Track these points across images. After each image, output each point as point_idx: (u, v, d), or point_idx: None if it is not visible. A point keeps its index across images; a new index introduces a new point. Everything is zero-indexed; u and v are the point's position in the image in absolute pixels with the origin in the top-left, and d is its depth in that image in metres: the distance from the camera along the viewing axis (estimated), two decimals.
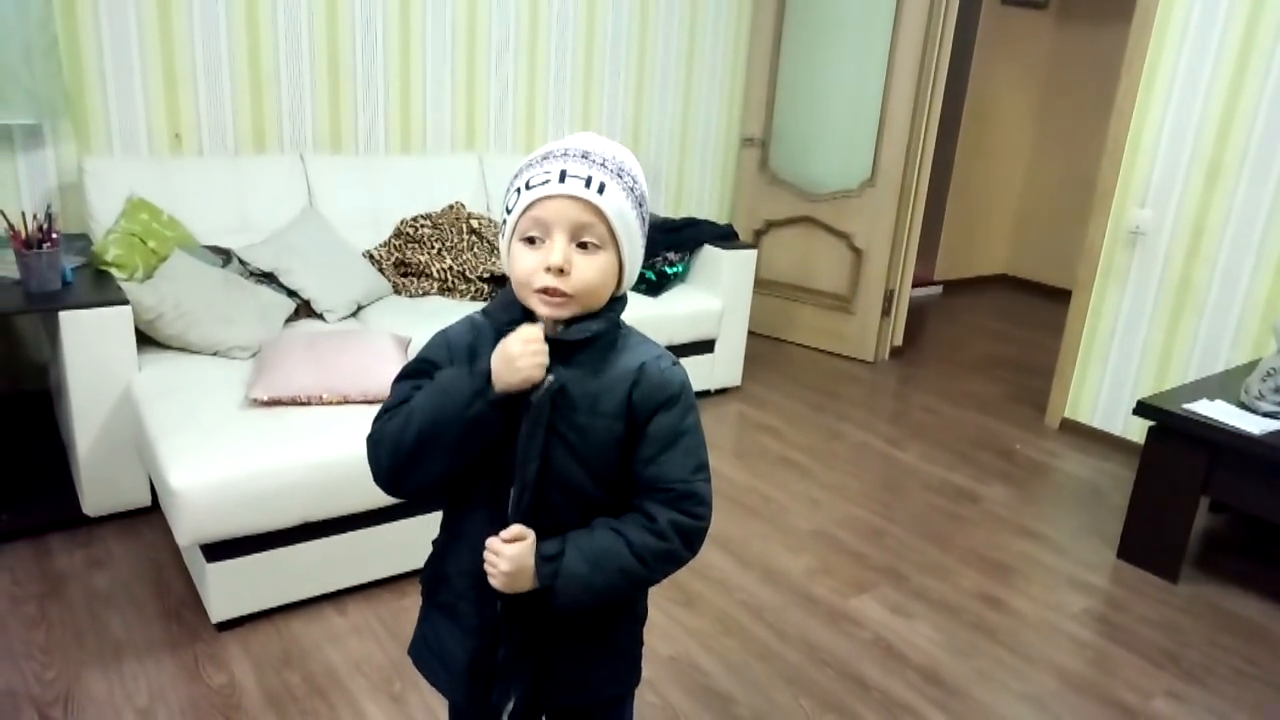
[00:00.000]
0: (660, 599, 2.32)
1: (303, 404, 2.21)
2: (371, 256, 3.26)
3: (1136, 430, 3.25)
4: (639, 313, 3.34)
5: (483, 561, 1.04)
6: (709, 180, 4.56)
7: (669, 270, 3.61)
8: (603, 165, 1.02)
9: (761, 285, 4.51)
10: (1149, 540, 2.60)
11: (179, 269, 2.60)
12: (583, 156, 1.02)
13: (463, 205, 3.49)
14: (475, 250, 3.35)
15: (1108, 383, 3.49)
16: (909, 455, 3.32)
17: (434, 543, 1.20)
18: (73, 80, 2.85)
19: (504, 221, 1.07)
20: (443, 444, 1.03)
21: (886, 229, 4.16)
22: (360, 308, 3.02)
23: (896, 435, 3.50)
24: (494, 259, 3.30)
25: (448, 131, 3.68)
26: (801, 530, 2.73)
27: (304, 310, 2.89)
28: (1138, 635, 2.31)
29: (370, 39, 3.39)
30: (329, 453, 2.04)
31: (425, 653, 1.19)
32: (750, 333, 3.92)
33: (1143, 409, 2.55)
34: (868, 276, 4.24)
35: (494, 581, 1.03)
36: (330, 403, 2.23)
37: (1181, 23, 3.13)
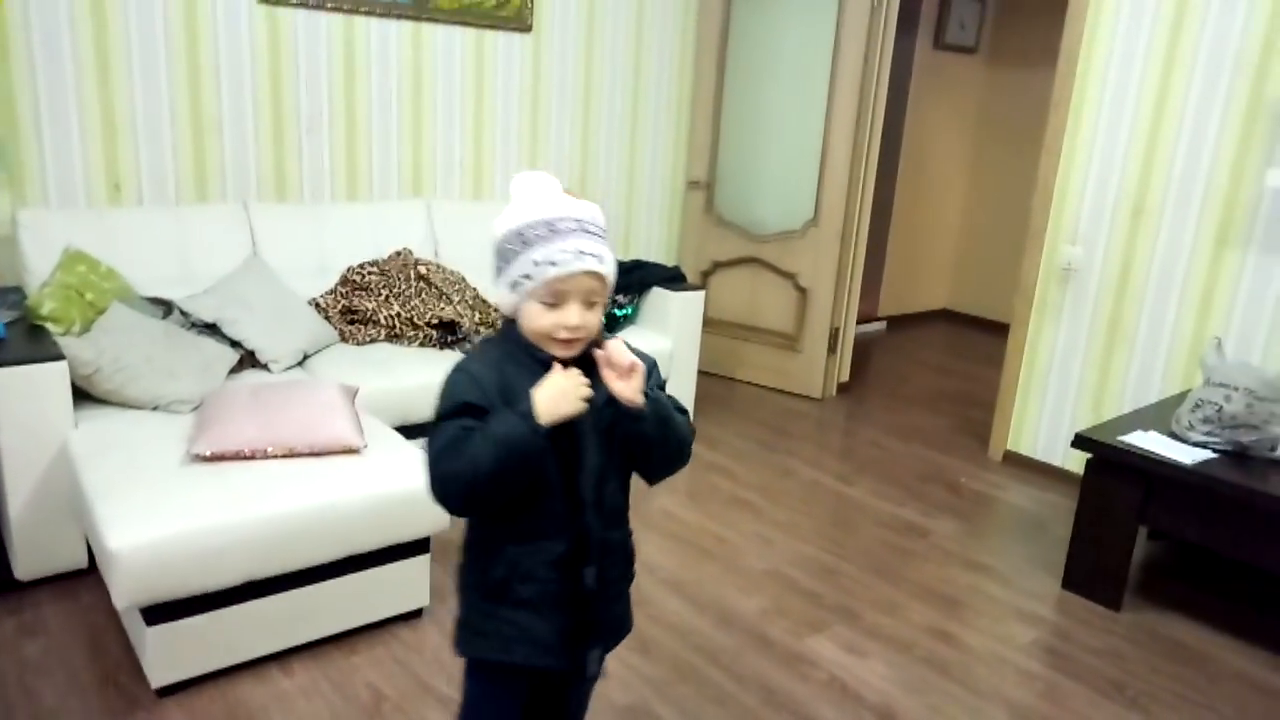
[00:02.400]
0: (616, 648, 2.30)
1: (247, 458, 2.16)
2: (318, 304, 3.23)
3: (1076, 461, 3.33)
4: None
5: (565, 552, 1.31)
6: (656, 223, 4.61)
7: (618, 313, 3.63)
8: (599, 236, 1.29)
9: (710, 325, 4.56)
10: (1091, 570, 2.66)
11: (117, 322, 2.54)
12: (584, 231, 1.27)
13: (410, 251, 3.48)
14: (423, 296, 3.33)
15: (1047, 415, 3.59)
16: (858, 491, 3.36)
17: (486, 557, 1.35)
18: (6, 130, 2.79)
19: (516, 282, 1.27)
20: (511, 478, 1.24)
21: (830, 268, 4.24)
22: (306, 357, 2.99)
23: (846, 471, 3.54)
24: (442, 305, 3.29)
25: (394, 178, 3.68)
26: (755, 570, 2.74)
27: (248, 361, 2.85)
28: (1084, 665, 2.36)
29: (315, 86, 3.39)
30: (275, 508, 2.00)
31: (500, 641, 1.35)
32: (700, 372, 3.95)
33: (1080, 441, 2.62)
34: (813, 315, 4.32)
35: (625, 389, 1.25)
36: (276, 456, 2.19)
37: (1102, 69, 3.28)
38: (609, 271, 1.29)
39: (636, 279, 3.77)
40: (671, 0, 4.32)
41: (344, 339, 3.18)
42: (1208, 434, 2.54)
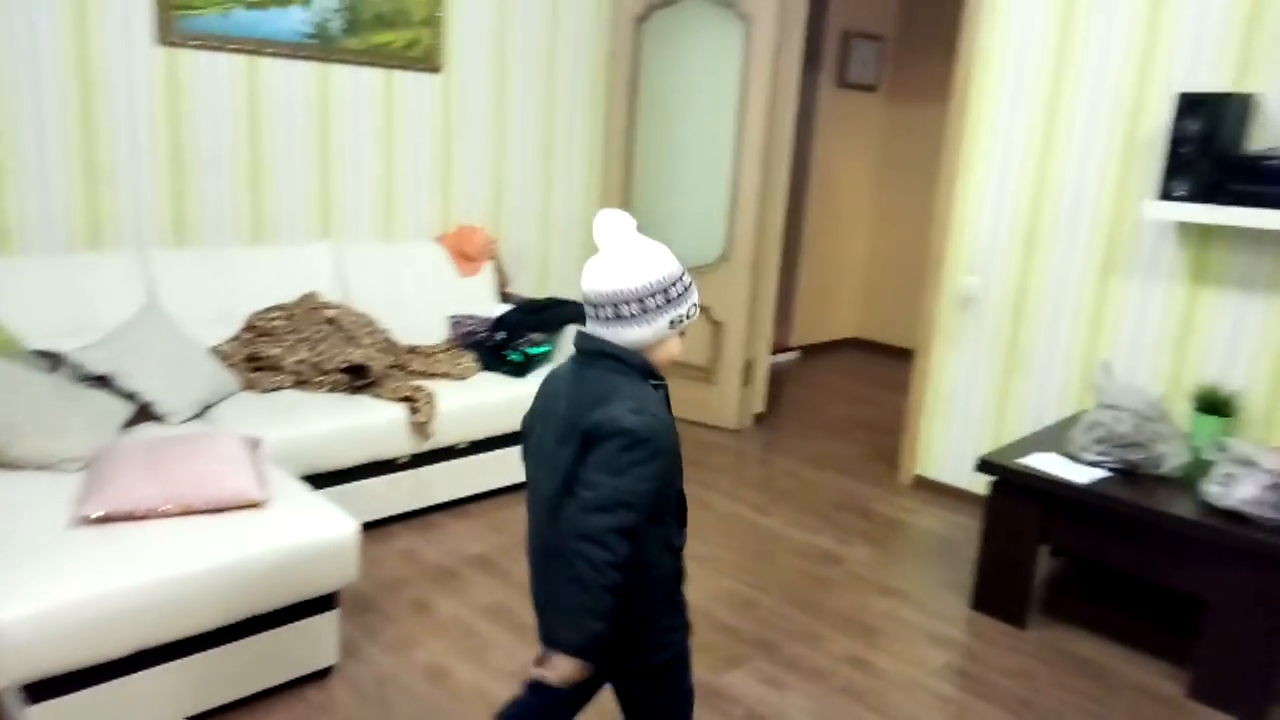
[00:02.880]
0: None
1: (140, 518, 2.07)
2: (220, 352, 3.14)
3: (982, 484, 3.44)
4: (507, 394, 3.34)
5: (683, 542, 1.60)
6: (572, 260, 4.63)
7: (533, 351, 3.61)
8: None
9: None
10: (997, 590, 2.74)
11: None
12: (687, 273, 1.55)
13: (318, 295, 3.42)
14: (332, 340, 3.27)
15: (953, 439, 3.70)
16: (775, 521, 3.40)
17: (659, 565, 1.53)
18: None
19: (676, 320, 1.49)
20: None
21: (743, 300, 4.31)
22: (207, 408, 2.89)
23: (763, 502, 3.58)
24: (351, 349, 3.23)
25: (302, 220, 3.61)
26: None
27: (144, 414, 2.74)
28: (994, 685, 2.42)
29: (217, 128, 3.31)
30: (170, 570, 1.92)
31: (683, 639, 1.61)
32: None
33: (983, 465, 2.71)
34: (727, 347, 4.38)
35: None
36: (172, 514, 2.10)
37: (991, 107, 3.43)
38: None
39: (553, 316, 3.76)
40: (582, 40, 4.38)
41: (248, 387, 3.09)
42: (1100, 454, 2.65)
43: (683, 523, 1.59)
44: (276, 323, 3.25)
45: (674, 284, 1.49)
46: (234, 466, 2.22)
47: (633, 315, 1.46)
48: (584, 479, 1.41)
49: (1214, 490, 2.37)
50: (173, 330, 2.97)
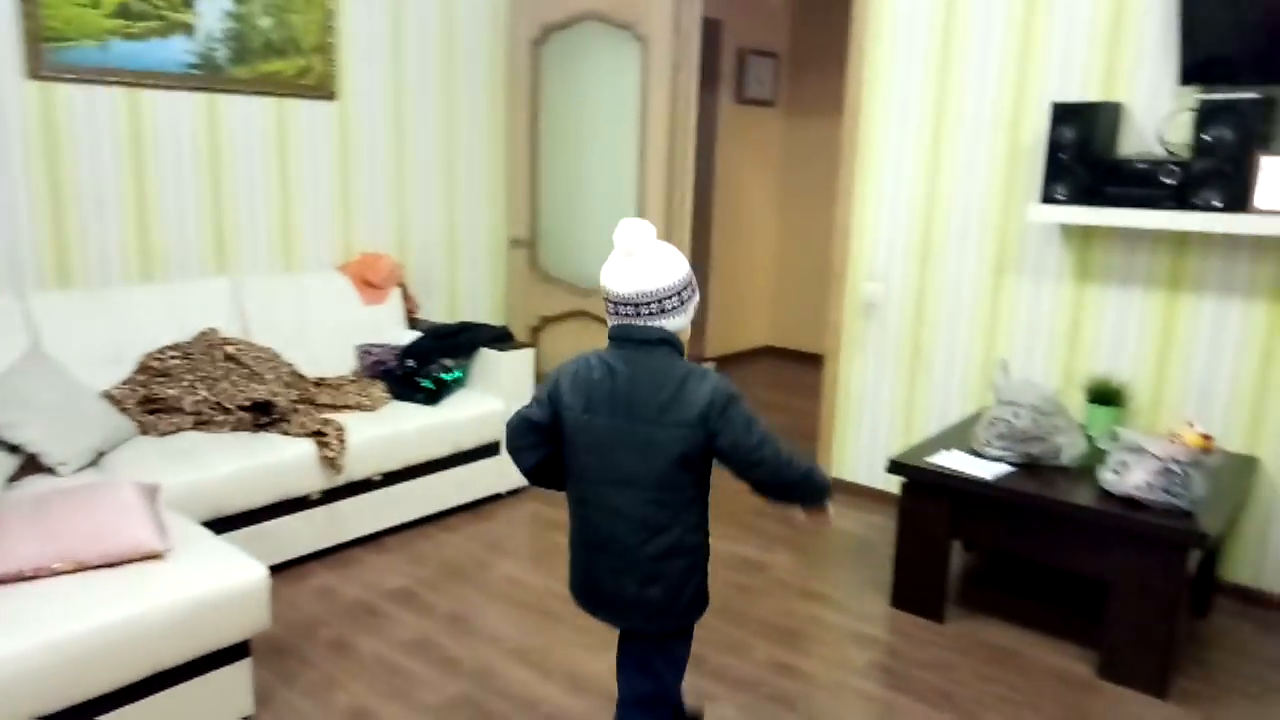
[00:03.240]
0: None
1: (30, 579, 1.96)
2: (112, 396, 2.99)
3: (896, 482, 3.53)
4: (420, 423, 3.28)
5: None
6: (481, 283, 4.58)
7: (446, 377, 3.56)
8: None
9: (544, 380, 4.55)
10: (915, 587, 2.81)
11: None
12: None
13: (216, 331, 3.30)
14: (233, 378, 3.16)
15: (864, 442, 3.79)
16: None
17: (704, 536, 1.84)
18: None
19: (694, 307, 1.78)
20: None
21: None
22: (101, 455, 2.75)
23: None
24: (254, 385, 3.12)
25: (195, 255, 3.48)
26: (602, 628, 2.71)
27: (32, 466, 2.59)
28: (915, 680, 2.48)
29: (98, 165, 3.17)
30: (64, 632, 1.82)
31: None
32: None
33: (893, 467, 2.78)
34: None
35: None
36: (64, 572, 1.99)
37: (882, 119, 3.55)
38: None
39: (464, 341, 3.72)
40: (479, 64, 4.36)
41: (145, 431, 2.96)
42: (1003, 449, 2.75)
43: None
44: (173, 362, 3.12)
45: (692, 278, 1.78)
46: (130, 517, 2.12)
47: (674, 307, 1.72)
48: (743, 443, 1.71)
49: (1109, 478, 2.48)
50: (59, 375, 2.82)
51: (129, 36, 3.18)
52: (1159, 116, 2.94)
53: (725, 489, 3.95)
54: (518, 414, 1.83)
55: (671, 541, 1.73)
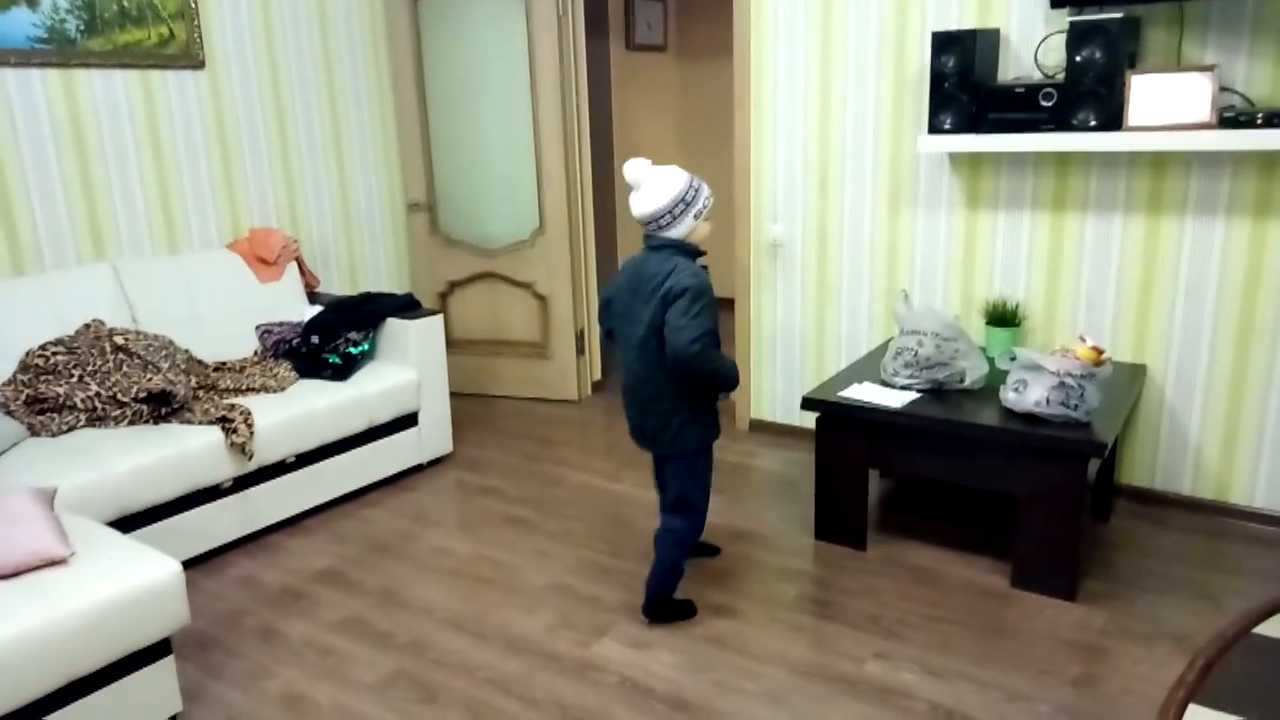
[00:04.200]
0: (400, 701, 2.21)
1: None
2: None
3: (813, 418, 3.62)
4: (330, 400, 3.19)
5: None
6: (381, 251, 4.46)
7: (354, 350, 3.47)
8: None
9: (456, 345, 4.48)
10: (836, 517, 2.90)
11: None
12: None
13: (102, 322, 3.13)
14: (125, 369, 3.01)
15: (780, 380, 3.86)
16: (625, 485, 3.45)
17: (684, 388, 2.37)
18: None
19: (700, 212, 2.36)
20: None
21: (564, 272, 4.30)
22: None
23: (610, 468, 3.62)
24: (149, 375, 2.98)
25: (69, 244, 3.28)
26: (536, 587, 2.73)
27: None
28: (843, 607, 2.57)
29: None
30: None
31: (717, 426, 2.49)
32: (454, 394, 3.87)
33: (807, 403, 2.84)
34: (556, 320, 4.36)
35: None
36: None
37: (772, 60, 3.56)
38: None
39: (368, 312, 3.61)
40: (355, 24, 4.18)
41: (35, 432, 2.81)
42: (910, 377, 2.84)
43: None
44: (57, 358, 2.95)
45: (685, 192, 2.33)
46: (26, 524, 2.01)
47: (669, 222, 2.33)
48: (673, 324, 2.22)
49: (1010, 397, 2.59)
50: None
51: None
52: (1034, 41, 3.02)
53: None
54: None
55: (654, 389, 2.34)
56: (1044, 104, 2.84)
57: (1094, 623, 2.45)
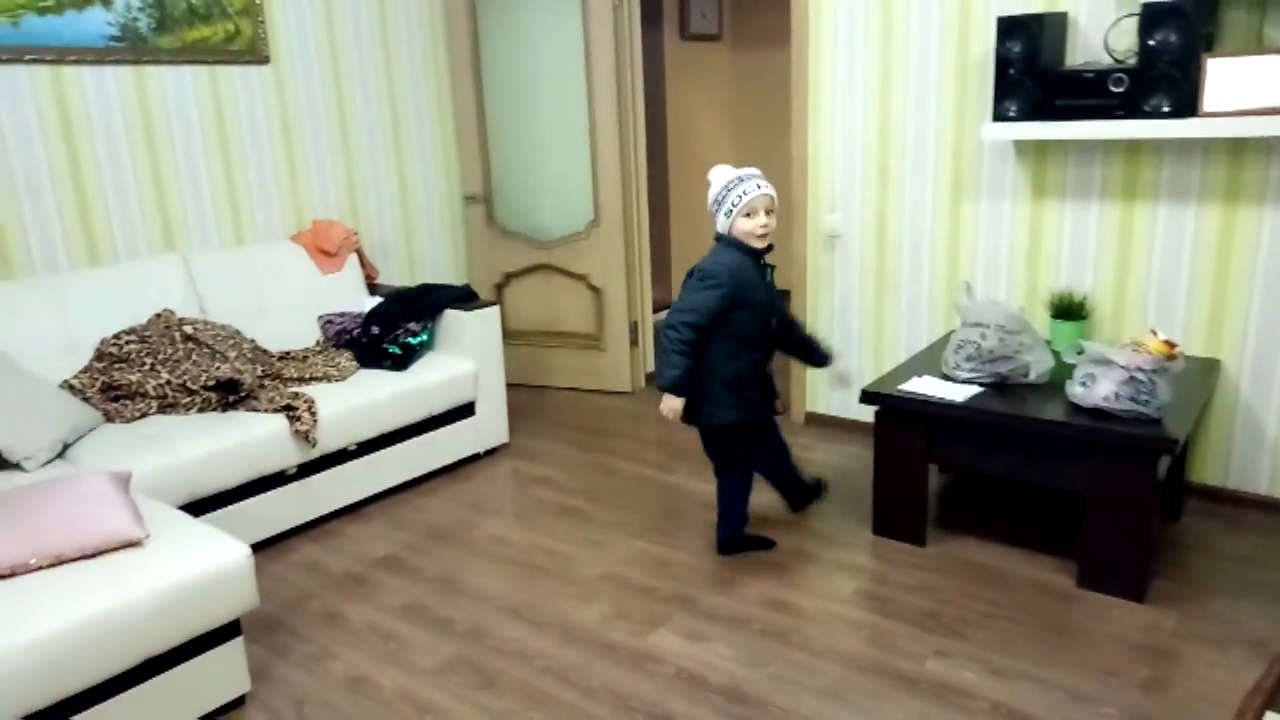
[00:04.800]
0: (460, 687, 2.24)
1: (6, 577, 1.92)
2: (72, 386, 2.92)
3: (870, 411, 3.57)
4: (390, 389, 3.24)
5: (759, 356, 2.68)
6: (439, 243, 4.51)
7: (413, 341, 3.51)
8: (761, 178, 2.55)
9: (511, 336, 4.52)
10: (895, 513, 2.86)
11: None
12: (757, 176, 2.55)
13: (172, 312, 3.22)
14: (195, 358, 3.09)
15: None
16: (679, 477, 3.45)
17: (724, 364, 2.60)
18: None
19: (727, 213, 2.54)
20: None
21: (619, 263, 4.31)
22: (67, 446, 2.69)
23: (664, 460, 3.62)
24: (217, 364, 3.06)
25: (141, 235, 3.38)
26: (590, 577, 2.75)
27: None
28: (902, 604, 2.53)
29: (28, 149, 3.05)
30: (48, 627, 1.79)
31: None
32: (509, 385, 3.91)
33: (866, 396, 2.81)
34: (611, 312, 4.37)
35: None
36: (41, 567, 1.96)
37: (830, 46, 3.51)
38: (773, 193, 2.55)
39: (427, 303, 3.66)
40: (415, 15, 4.23)
41: (110, 419, 2.90)
42: (972, 370, 2.78)
43: (767, 355, 2.68)
44: (130, 347, 3.05)
45: (721, 191, 2.55)
46: (105, 507, 2.08)
47: (714, 216, 2.58)
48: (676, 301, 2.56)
49: (1077, 391, 2.52)
50: (13, 369, 2.74)
51: (43, 11, 3.03)
52: (1104, 24, 2.93)
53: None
54: None
55: (697, 365, 2.56)
56: (1114, 89, 2.76)
57: (1164, 625, 2.38)
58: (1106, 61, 2.91)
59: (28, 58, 3.00)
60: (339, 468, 3.14)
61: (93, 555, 2.01)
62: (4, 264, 3.04)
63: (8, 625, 1.77)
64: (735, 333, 2.55)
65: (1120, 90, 2.75)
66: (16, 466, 2.56)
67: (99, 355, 3.03)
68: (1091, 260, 3.14)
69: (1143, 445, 2.37)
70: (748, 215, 2.50)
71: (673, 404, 2.58)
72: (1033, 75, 2.88)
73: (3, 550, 1.93)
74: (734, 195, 2.51)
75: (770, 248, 2.60)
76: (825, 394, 3.87)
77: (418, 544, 3.00)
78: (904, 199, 3.48)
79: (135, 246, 3.37)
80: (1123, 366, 2.45)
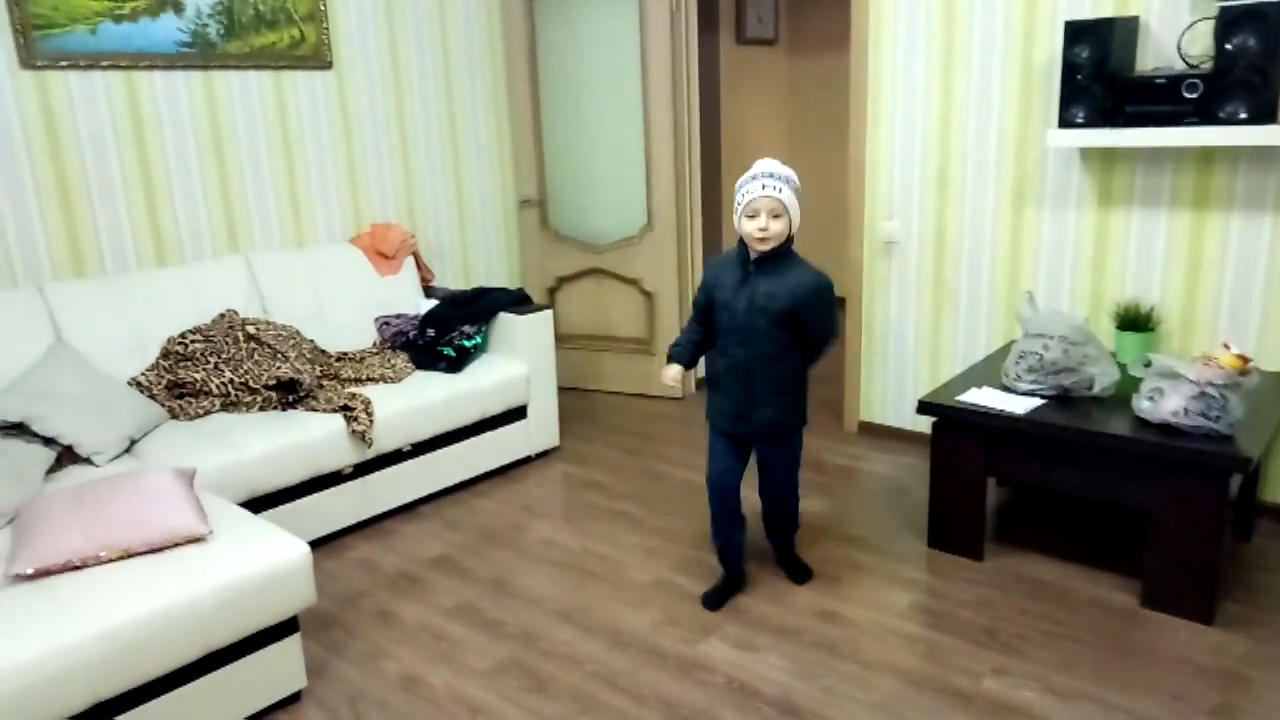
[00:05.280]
0: (511, 689, 2.26)
1: (77, 568, 1.98)
2: (139, 384, 3.00)
3: (925, 422, 3.52)
4: (445, 391, 3.28)
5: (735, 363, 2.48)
6: (493, 246, 4.55)
7: (467, 344, 3.55)
8: (773, 177, 2.36)
9: (563, 340, 4.54)
10: (951, 526, 2.81)
11: None
12: (767, 176, 2.36)
13: (235, 312, 3.29)
14: (256, 357, 3.15)
15: (891, 382, 3.76)
16: None
17: (713, 363, 2.58)
18: None
19: (736, 209, 2.39)
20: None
21: (671, 268, 4.30)
22: (134, 442, 2.77)
23: None
24: (278, 363, 3.12)
25: (207, 236, 3.47)
26: (640, 583, 2.75)
27: (68, 457, 2.61)
28: (958, 619, 2.48)
29: (102, 152, 3.14)
30: (117, 619, 1.84)
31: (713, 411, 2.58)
32: (560, 389, 3.93)
33: (924, 407, 2.76)
34: (662, 316, 4.37)
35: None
36: (110, 560, 2.01)
37: (890, 51, 3.46)
38: (783, 197, 2.34)
39: (481, 307, 3.69)
40: (473, 21, 4.27)
41: (175, 416, 2.97)
42: (1034, 382, 2.72)
43: (748, 367, 2.46)
44: (195, 346, 3.12)
45: (736, 193, 2.41)
46: (170, 502, 2.13)
47: None
48: None
49: (1144, 406, 2.45)
50: (85, 366, 2.83)
51: (119, 18, 3.12)
52: (1178, 28, 2.84)
53: None
54: None
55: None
56: (1188, 96, 2.68)
57: (1234, 649, 2.30)
58: (1180, 67, 2.83)
59: (104, 64, 3.10)
60: (394, 468, 3.18)
61: (159, 549, 2.06)
62: (77, 263, 3.14)
63: (81, 616, 1.82)
64: (719, 331, 2.49)
65: (1194, 96, 2.67)
66: (87, 461, 2.64)
67: (165, 353, 3.11)
68: (1159, 270, 3.05)
69: (1214, 463, 2.30)
70: (750, 216, 2.35)
71: (670, 371, 2.60)
72: (1101, 81, 2.81)
73: (74, 543, 1.99)
74: (740, 193, 2.38)
75: (776, 253, 2.37)
76: (880, 403, 3.82)
77: (470, 545, 3.02)
78: (964, 206, 3.42)
79: (201, 247, 3.46)
80: (1193, 381, 2.37)
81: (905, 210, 3.57)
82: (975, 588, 2.63)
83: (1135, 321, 3.01)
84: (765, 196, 2.32)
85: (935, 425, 2.77)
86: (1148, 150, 2.98)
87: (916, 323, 3.64)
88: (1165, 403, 2.40)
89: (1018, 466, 2.68)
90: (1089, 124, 2.87)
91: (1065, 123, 2.91)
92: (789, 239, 2.40)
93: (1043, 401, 2.66)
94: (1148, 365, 2.51)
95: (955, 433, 2.73)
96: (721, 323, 2.46)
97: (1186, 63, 2.82)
